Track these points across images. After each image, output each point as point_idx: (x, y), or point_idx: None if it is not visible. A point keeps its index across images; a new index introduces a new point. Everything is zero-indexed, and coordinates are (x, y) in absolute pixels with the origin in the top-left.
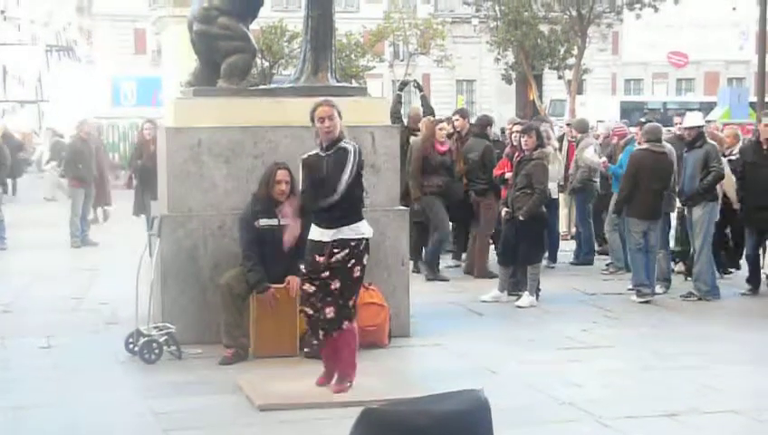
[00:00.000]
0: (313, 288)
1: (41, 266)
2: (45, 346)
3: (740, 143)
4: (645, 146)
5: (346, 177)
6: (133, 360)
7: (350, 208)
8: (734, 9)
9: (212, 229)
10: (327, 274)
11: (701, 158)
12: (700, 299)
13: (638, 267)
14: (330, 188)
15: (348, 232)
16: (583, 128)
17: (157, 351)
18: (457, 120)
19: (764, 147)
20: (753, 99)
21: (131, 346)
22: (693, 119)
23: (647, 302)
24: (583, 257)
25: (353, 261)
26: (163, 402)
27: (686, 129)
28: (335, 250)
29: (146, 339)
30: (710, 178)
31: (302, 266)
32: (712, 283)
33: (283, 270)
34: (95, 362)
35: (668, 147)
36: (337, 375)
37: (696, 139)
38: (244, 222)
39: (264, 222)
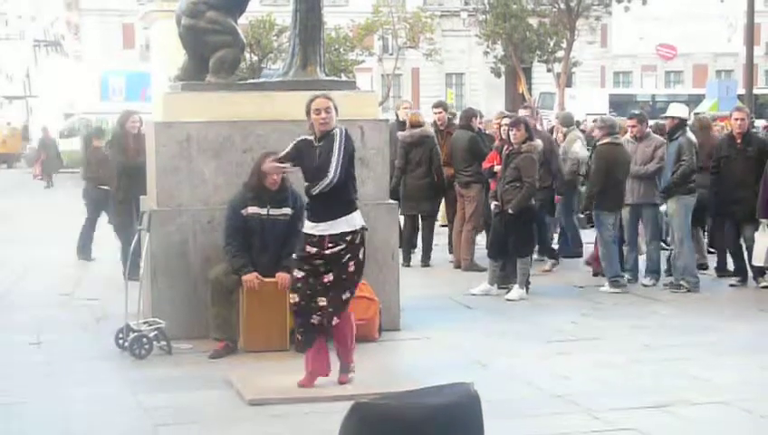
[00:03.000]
0: (302, 274)
1: (29, 262)
2: (35, 342)
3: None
4: (607, 140)
5: (334, 159)
6: (123, 355)
7: (343, 199)
8: (721, 1)
9: (201, 224)
10: (320, 262)
11: (676, 150)
12: (689, 291)
13: (612, 260)
14: (320, 177)
15: (343, 225)
16: (568, 122)
17: (146, 346)
18: (439, 112)
19: (738, 141)
20: (742, 91)
21: (121, 341)
22: (676, 109)
23: (623, 292)
24: (572, 250)
25: (348, 256)
26: (153, 397)
27: (668, 118)
28: (330, 244)
29: (136, 334)
30: (679, 172)
31: (294, 256)
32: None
33: (270, 261)
34: (85, 357)
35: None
36: (340, 366)
37: (674, 130)
38: (231, 209)
39: (252, 210)
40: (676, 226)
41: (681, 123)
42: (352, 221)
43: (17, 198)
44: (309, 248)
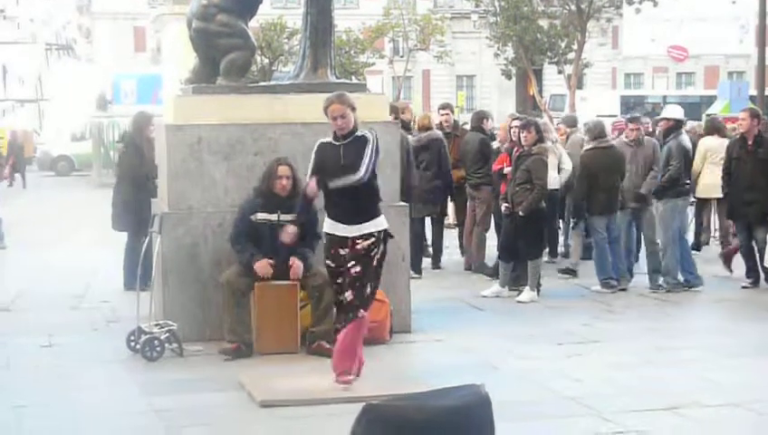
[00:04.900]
0: (341, 279)
1: (41, 265)
2: (47, 345)
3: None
4: (591, 145)
5: (367, 159)
6: (135, 357)
7: (372, 203)
8: (733, 3)
9: (212, 227)
10: (352, 263)
11: (666, 154)
12: (669, 291)
13: (605, 263)
14: (349, 172)
15: (370, 227)
16: (572, 123)
17: (158, 348)
18: (445, 114)
19: (749, 142)
20: (754, 92)
21: (133, 344)
22: (671, 111)
23: (615, 291)
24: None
25: (375, 250)
26: (165, 400)
27: (663, 119)
28: (358, 241)
29: (147, 336)
30: (665, 177)
31: (327, 262)
32: (686, 273)
33: (280, 265)
34: (97, 360)
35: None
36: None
37: (668, 131)
38: (240, 214)
39: (261, 216)
40: (663, 228)
41: (676, 125)
42: (378, 224)
43: (27, 202)
44: (341, 251)
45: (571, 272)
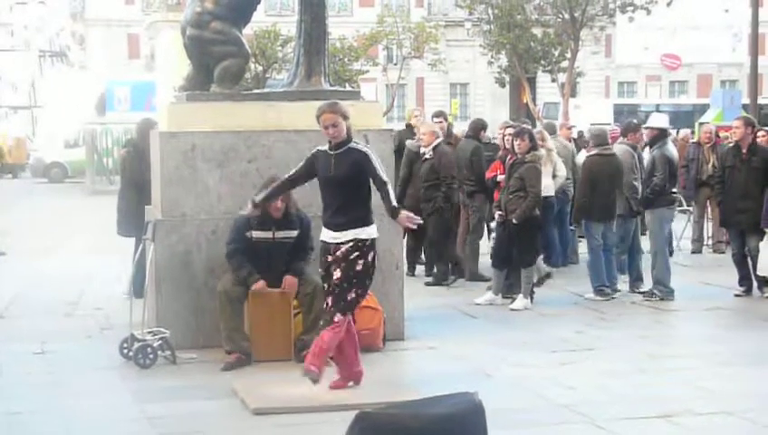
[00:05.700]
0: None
1: (35, 272)
2: (39, 352)
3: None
4: (594, 151)
5: (380, 171)
6: (128, 365)
7: (356, 214)
8: (726, 11)
9: (206, 234)
10: (334, 267)
11: (650, 163)
12: (662, 299)
13: (599, 269)
14: (335, 186)
15: (351, 234)
16: (551, 130)
17: (151, 355)
18: (439, 121)
19: (743, 150)
20: (746, 101)
21: (126, 351)
22: (656, 120)
23: (609, 299)
24: (566, 259)
25: (356, 254)
26: (158, 407)
27: (647, 128)
28: (341, 245)
29: (140, 344)
30: (649, 189)
31: (319, 269)
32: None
33: (276, 277)
34: (89, 367)
35: (623, 148)
36: (338, 373)
37: (654, 140)
38: (235, 231)
39: (257, 234)
40: (652, 237)
41: (661, 134)
42: (367, 232)
43: (22, 209)
44: (329, 258)
45: (548, 276)
